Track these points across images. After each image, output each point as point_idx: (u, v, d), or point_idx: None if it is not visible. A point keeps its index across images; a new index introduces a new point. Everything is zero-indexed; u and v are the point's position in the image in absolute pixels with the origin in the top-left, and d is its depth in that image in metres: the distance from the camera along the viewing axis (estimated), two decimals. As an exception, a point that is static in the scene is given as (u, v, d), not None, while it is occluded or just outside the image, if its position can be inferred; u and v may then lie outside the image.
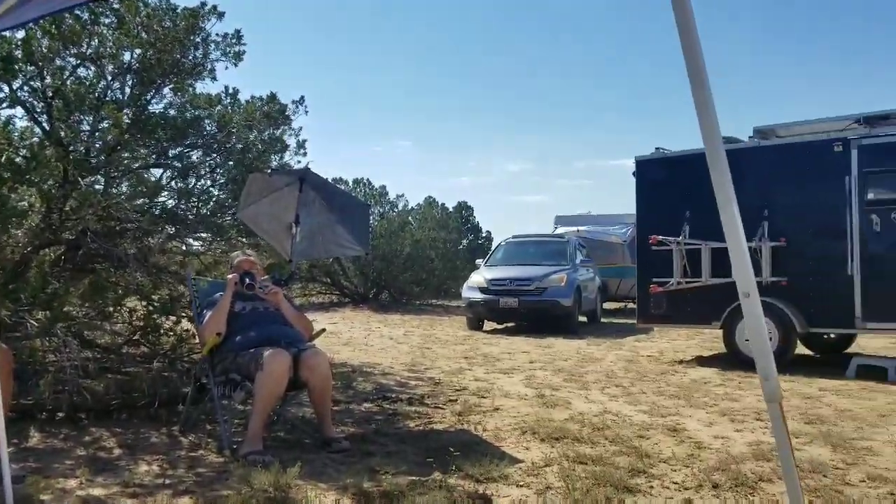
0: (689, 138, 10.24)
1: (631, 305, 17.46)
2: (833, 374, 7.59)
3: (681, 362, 8.75)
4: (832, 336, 9.43)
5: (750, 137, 8.82)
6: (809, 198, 8.05)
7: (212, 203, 6.65)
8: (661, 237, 8.75)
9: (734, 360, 8.29)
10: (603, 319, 15.42)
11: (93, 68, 5.93)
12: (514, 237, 15.51)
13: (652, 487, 3.70)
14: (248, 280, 4.75)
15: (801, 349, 9.00)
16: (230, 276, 4.76)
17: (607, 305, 17.65)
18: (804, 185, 8.08)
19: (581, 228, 18.14)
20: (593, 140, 63.74)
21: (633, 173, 9.35)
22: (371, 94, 62.93)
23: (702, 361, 8.84)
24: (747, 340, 8.22)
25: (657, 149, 9.23)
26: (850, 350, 9.47)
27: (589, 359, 9.00)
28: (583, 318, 14.13)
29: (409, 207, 24.04)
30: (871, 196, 7.64)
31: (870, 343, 10.50)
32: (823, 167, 7.93)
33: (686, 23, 1.60)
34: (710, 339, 11.01)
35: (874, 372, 7.48)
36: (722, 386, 6.96)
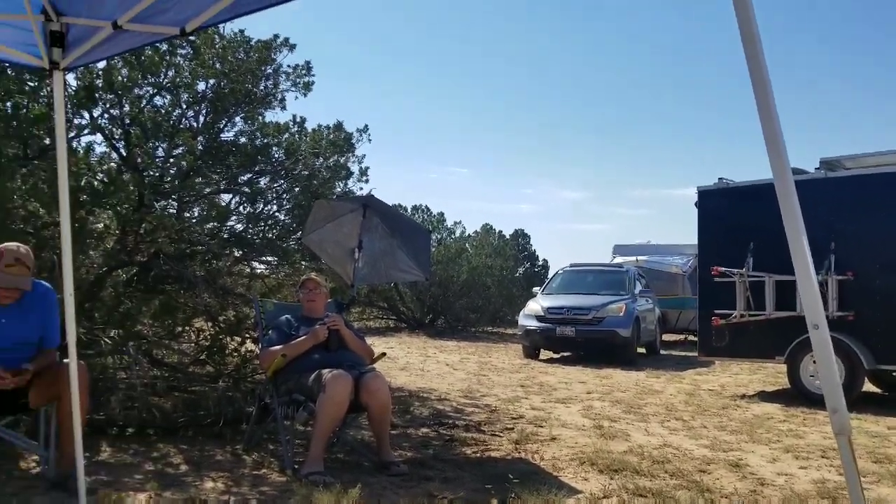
0: (753, 168, 10.10)
1: (691, 338, 17.14)
2: (903, 413, 7.33)
3: (743, 397, 8.56)
4: (902, 374, 9.11)
5: (816, 169, 8.65)
6: (878, 230, 7.83)
7: (278, 228, 6.83)
8: (723, 269, 8.61)
9: (798, 395, 8.08)
10: (662, 351, 15.14)
11: (168, 97, 6.20)
12: (571, 265, 15.40)
13: (714, 523, 3.65)
14: (333, 338, 4.77)
15: (868, 386, 8.72)
16: (318, 328, 4.75)
17: (667, 337, 17.34)
18: (873, 218, 7.87)
19: (640, 258, 17.89)
20: (654, 169, 62.96)
21: (696, 203, 9.24)
22: (427, 123, 63.53)
23: (765, 397, 8.63)
24: (812, 376, 8.03)
25: (720, 179, 9.11)
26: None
27: (648, 391, 8.87)
28: (641, 350, 13.91)
29: (467, 234, 24.12)
30: (944, 230, 7.42)
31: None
32: (894, 199, 7.73)
33: (753, 51, 1.63)
34: (773, 374, 10.73)
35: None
36: (786, 422, 6.79)
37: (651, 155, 61.11)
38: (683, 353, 14.86)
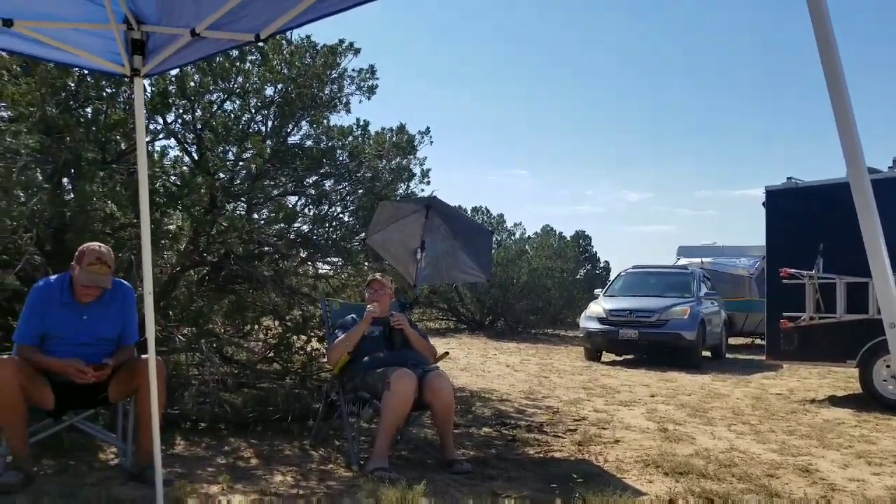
0: (821, 167, 9.83)
1: (758, 341, 16.74)
2: None
3: (812, 401, 8.34)
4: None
5: (889, 167, 8.37)
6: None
7: (342, 229, 6.96)
8: (792, 270, 8.40)
9: (871, 400, 7.83)
10: (728, 355, 14.83)
11: (238, 102, 6.37)
12: (634, 267, 15.19)
13: (783, 528, 3.58)
14: (397, 337, 4.88)
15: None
16: (370, 308, 4.87)
17: (733, 341, 16.96)
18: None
19: (705, 260, 17.51)
20: (718, 169, 61.61)
21: (763, 204, 9.04)
22: (486, 125, 63.43)
23: (835, 401, 8.39)
24: (885, 381, 7.77)
25: (789, 179, 8.90)
26: None
27: (714, 394, 8.72)
28: (706, 353, 13.64)
29: (527, 236, 24.06)
30: None
31: None
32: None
33: (828, 48, 1.62)
34: (843, 379, 10.42)
35: None
36: (857, 427, 6.60)
37: (715, 154, 59.88)
38: (750, 357, 14.54)
